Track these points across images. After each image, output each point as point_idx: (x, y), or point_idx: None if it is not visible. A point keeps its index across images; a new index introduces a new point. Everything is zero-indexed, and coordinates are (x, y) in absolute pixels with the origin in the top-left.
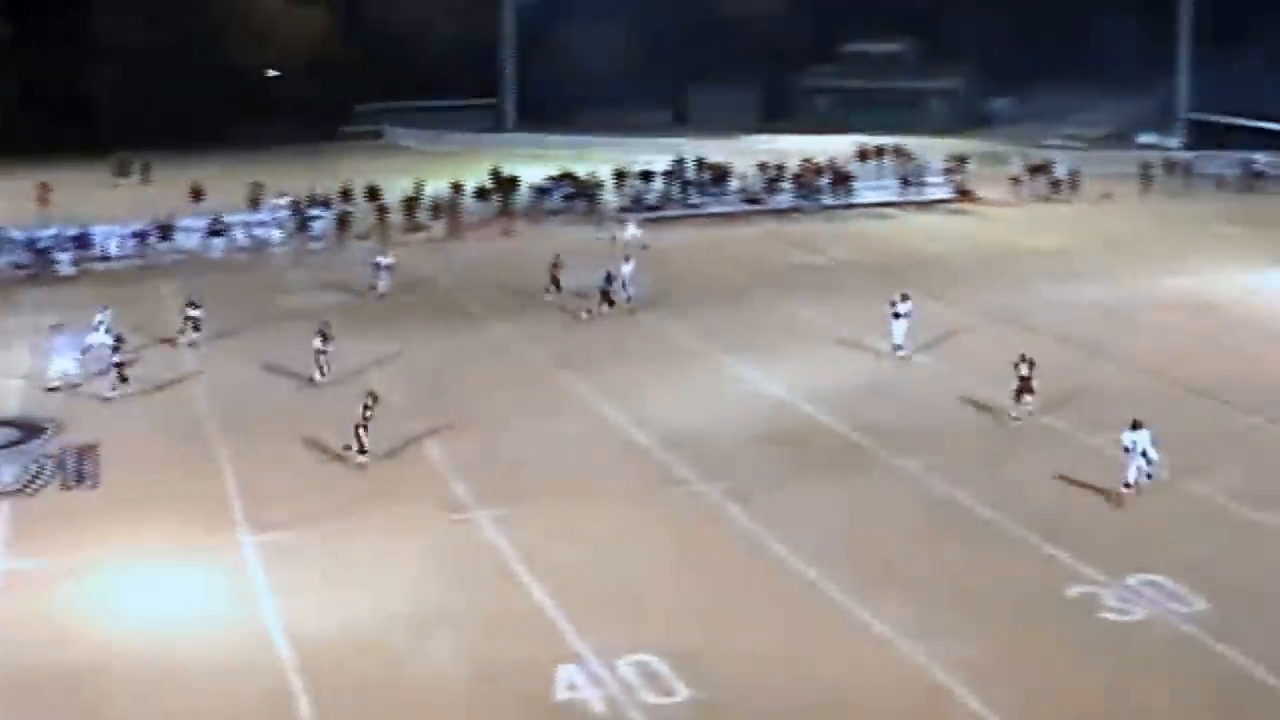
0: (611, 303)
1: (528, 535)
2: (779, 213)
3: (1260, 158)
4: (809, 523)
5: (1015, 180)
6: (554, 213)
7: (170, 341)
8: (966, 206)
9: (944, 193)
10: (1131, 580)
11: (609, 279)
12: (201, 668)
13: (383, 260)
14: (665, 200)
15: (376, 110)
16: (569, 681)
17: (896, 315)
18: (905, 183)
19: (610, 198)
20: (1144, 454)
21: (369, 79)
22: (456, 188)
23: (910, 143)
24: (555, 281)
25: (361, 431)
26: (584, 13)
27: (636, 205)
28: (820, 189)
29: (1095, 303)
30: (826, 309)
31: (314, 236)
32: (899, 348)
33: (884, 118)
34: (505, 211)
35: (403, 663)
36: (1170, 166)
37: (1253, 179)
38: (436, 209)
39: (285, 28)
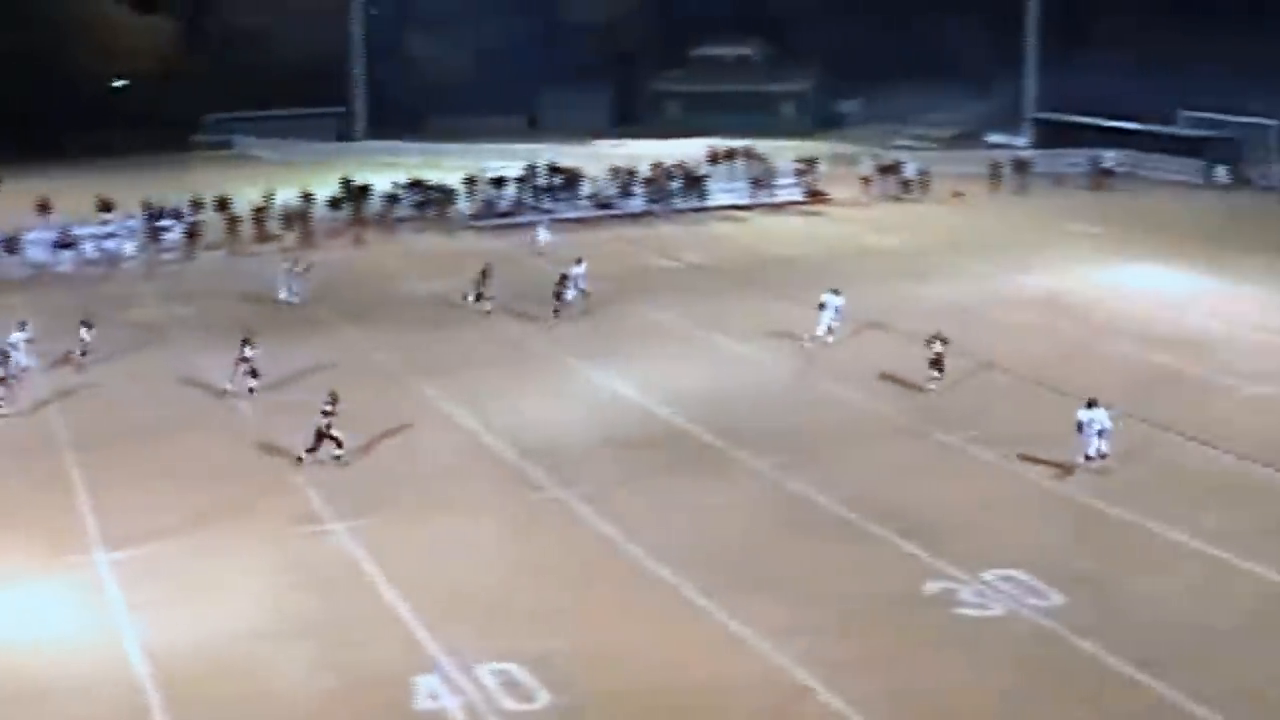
0: (560, 305)
1: (384, 545)
2: (631, 217)
3: (1109, 155)
4: (666, 525)
5: (865, 181)
6: (403, 220)
7: (68, 362)
8: (818, 208)
9: (795, 194)
10: (988, 576)
11: (563, 279)
12: (58, 686)
13: (293, 268)
14: (518, 206)
15: (225, 120)
16: (429, 690)
17: (822, 306)
18: (757, 185)
19: (462, 204)
20: (1100, 432)
21: (217, 88)
22: (307, 197)
23: (761, 145)
24: (479, 293)
25: (330, 431)
26: (433, 19)
27: (489, 211)
28: (672, 192)
29: (949, 302)
30: (680, 312)
31: (164, 248)
32: (818, 337)
33: (734, 120)
34: (357, 220)
35: (261, 676)
36: (1019, 165)
37: (1102, 176)
38: (288, 219)
39: (131, 37)
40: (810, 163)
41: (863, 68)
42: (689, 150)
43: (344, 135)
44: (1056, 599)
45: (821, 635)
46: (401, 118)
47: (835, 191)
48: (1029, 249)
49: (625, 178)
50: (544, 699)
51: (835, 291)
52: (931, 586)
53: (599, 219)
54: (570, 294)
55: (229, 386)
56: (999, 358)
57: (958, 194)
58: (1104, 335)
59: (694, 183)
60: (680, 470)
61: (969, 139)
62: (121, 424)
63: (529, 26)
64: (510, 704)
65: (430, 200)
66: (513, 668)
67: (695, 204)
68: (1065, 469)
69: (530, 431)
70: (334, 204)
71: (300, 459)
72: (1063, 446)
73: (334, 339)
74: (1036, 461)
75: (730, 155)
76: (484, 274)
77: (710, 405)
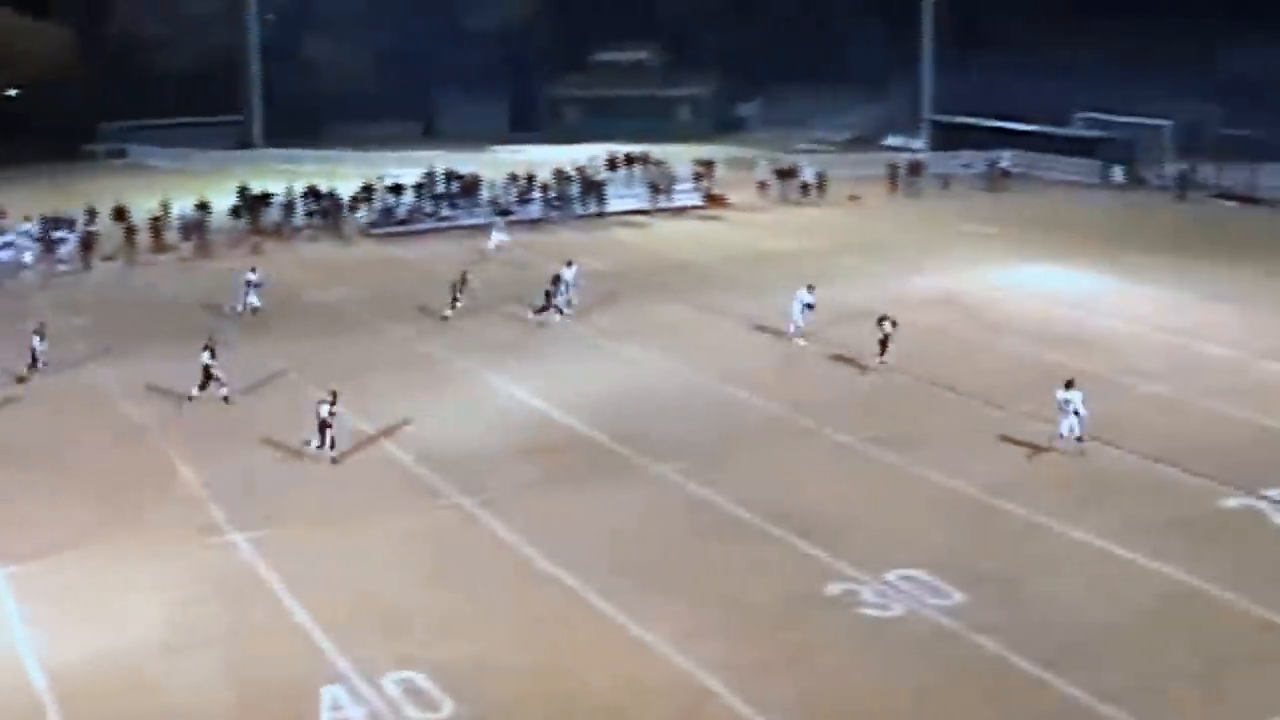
0: (559, 310)
1: (286, 556)
2: (531, 223)
3: (1006, 156)
4: (569, 532)
5: (762, 185)
6: (301, 229)
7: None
8: (716, 212)
9: (694, 199)
10: (889, 576)
11: (556, 281)
12: None
13: (251, 277)
14: (416, 213)
15: (121, 129)
16: (333, 701)
17: (809, 306)
18: (655, 190)
19: (359, 212)
20: (1075, 412)
21: (112, 96)
22: (203, 206)
23: (659, 150)
24: (455, 298)
25: (328, 430)
26: (330, 26)
27: (386, 219)
28: (571, 198)
29: (847, 303)
30: (580, 317)
31: (59, 259)
32: (793, 334)
33: (633, 126)
34: (255, 229)
35: (164, 690)
36: (916, 167)
37: (999, 178)
38: (185, 228)
39: (24, 45)
40: (708, 167)
41: (760, 72)
42: (588, 155)
43: (241, 143)
44: (958, 598)
45: (725, 638)
46: (299, 125)
47: (734, 196)
48: (926, 250)
49: (524, 184)
50: (448, 707)
51: (810, 288)
52: (833, 588)
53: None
54: (561, 296)
55: (222, 391)
56: (897, 359)
57: (854, 197)
58: (1002, 335)
59: (593, 188)
60: (582, 476)
61: (866, 142)
62: (18, 436)
63: (426, 32)
64: (415, 713)
65: (327, 208)
66: (417, 676)
67: (595, 210)
68: (1038, 449)
69: (431, 439)
70: (233, 213)
71: (321, 445)
72: (963, 446)
73: (231, 348)
74: (1016, 443)
75: (629, 160)
76: (462, 280)
77: (612, 410)
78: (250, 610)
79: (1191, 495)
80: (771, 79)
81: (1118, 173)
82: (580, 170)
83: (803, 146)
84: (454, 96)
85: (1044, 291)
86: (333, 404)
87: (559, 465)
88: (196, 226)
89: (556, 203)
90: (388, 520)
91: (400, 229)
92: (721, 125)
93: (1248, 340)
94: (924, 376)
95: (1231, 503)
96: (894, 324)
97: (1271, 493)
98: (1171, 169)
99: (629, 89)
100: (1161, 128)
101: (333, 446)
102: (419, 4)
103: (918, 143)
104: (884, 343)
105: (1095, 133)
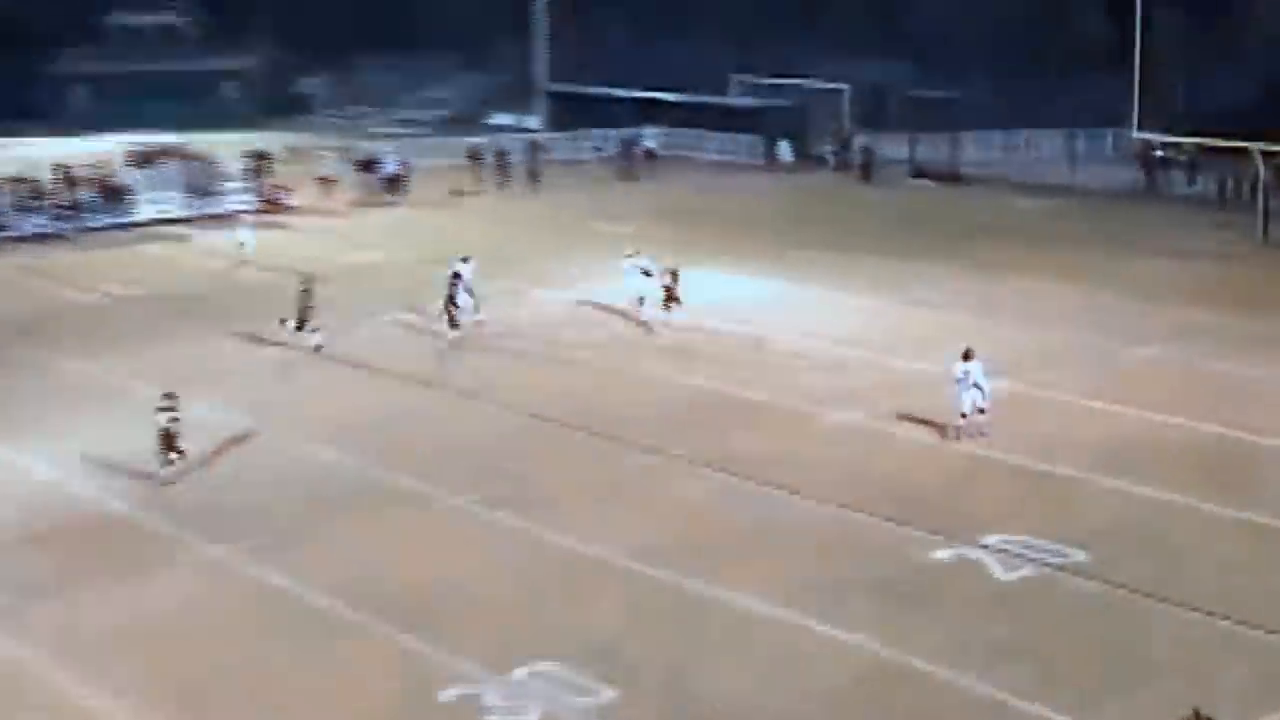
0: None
1: None
2: (35, 239)
3: (647, 135)
4: (98, 642)
5: (327, 181)
6: None
7: None
8: (278, 217)
9: (247, 202)
10: (518, 673)
11: (456, 278)
12: None
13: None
14: None
15: None
16: None
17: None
18: (197, 193)
19: None
20: (976, 385)
21: None
22: None
23: (200, 140)
24: (302, 320)
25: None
26: None
27: None
28: (85, 207)
29: (441, 328)
30: (107, 360)
31: None
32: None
33: (163, 110)
34: None
35: None
36: (532, 152)
37: (638, 162)
38: None
39: None
40: (264, 160)
41: (326, 38)
42: (105, 150)
43: None
44: (608, 695)
45: None
46: None
47: (300, 196)
48: (548, 256)
49: (22, 190)
50: None
51: (630, 255)
52: (448, 693)
53: None
54: (462, 297)
55: None
56: (500, 391)
57: (456, 192)
58: (642, 357)
59: (114, 193)
60: (115, 567)
61: (467, 122)
62: None
63: None
64: None
65: None
66: None
67: (118, 220)
68: (940, 429)
69: None
70: None
71: (172, 461)
72: (604, 502)
73: None
74: (916, 421)
75: (161, 155)
76: (306, 292)
77: (152, 481)
78: None
79: (893, 547)
80: (343, 49)
81: (785, 150)
82: (96, 169)
83: (384, 131)
84: None
85: (693, 301)
86: (170, 409)
87: (85, 553)
88: None
89: (67, 213)
90: None
91: None
92: (278, 107)
93: (949, 352)
94: (550, 416)
95: (943, 554)
96: (675, 276)
97: (991, 540)
98: (859, 142)
99: (156, 62)
100: (839, 93)
101: (180, 454)
102: None
103: (532, 120)
104: (669, 292)
105: (757, 102)
